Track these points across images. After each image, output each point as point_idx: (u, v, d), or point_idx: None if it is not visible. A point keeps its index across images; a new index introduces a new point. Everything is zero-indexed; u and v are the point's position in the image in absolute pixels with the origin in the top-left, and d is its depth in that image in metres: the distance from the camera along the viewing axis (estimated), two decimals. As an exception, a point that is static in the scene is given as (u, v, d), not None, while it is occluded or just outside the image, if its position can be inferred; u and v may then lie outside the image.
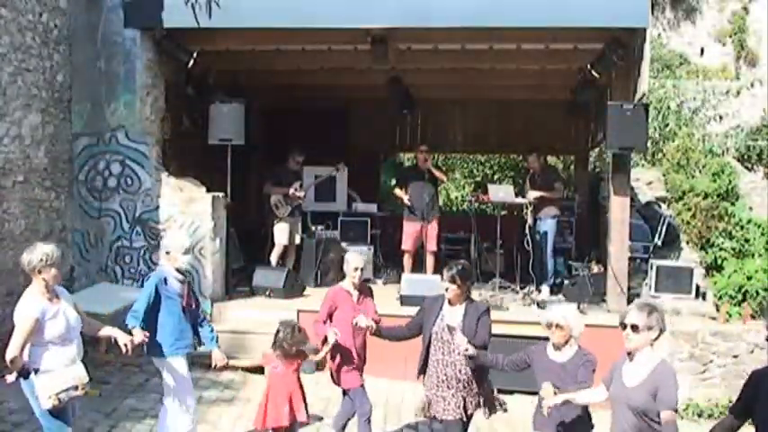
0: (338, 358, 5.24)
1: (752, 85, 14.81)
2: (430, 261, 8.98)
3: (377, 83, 9.23)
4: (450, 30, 7.68)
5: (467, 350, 4.45)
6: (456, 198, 17.12)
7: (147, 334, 4.85)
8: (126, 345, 4.62)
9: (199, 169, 9.01)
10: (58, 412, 4.28)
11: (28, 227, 7.29)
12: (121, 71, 7.89)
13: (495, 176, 16.62)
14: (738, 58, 17.35)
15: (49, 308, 4.32)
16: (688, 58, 17.17)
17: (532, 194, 8.93)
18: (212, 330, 5.29)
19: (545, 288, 8.72)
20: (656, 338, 3.64)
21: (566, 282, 8.75)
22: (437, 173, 9.13)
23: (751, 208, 10.23)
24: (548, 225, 8.91)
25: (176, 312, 5.05)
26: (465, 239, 10.19)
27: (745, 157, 12.97)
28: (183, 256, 5.13)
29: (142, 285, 7.77)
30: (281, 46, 8.75)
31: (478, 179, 17.30)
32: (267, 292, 8.24)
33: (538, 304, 8.06)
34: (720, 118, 13.76)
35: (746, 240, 9.41)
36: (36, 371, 4.25)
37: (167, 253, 5.18)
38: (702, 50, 17.78)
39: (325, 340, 5.16)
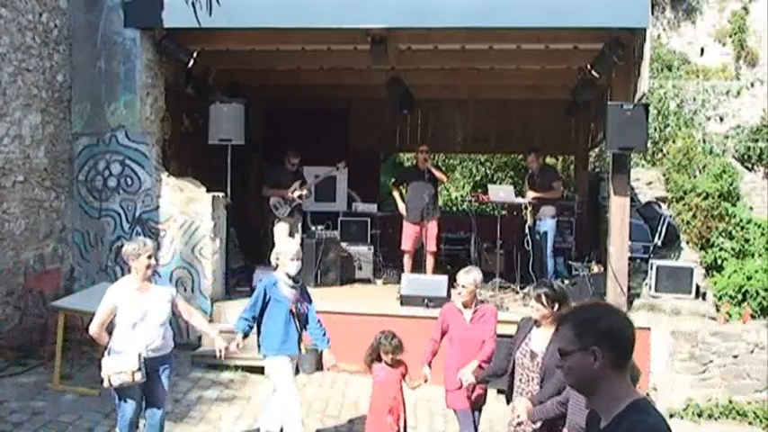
0: (446, 377, 5.10)
1: (752, 84, 14.81)
2: (430, 261, 8.98)
3: (377, 83, 9.22)
4: (450, 30, 7.68)
5: (518, 418, 3.96)
6: (456, 198, 17.12)
7: (242, 343, 5.20)
8: (220, 350, 5.05)
9: (199, 169, 9.02)
10: (121, 392, 4.69)
11: (28, 227, 7.29)
12: (121, 71, 7.89)
13: (495, 176, 16.63)
14: (738, 58, 17.35)
15: (131, 295, 4.75)
16: (688, 58, 17.17)
17: (531, 195, 8.93)
18: (324, 333, 5.37)
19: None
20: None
21: (566, 282, 8.75)
22: (437, 173, 9.12)
23: (751, 208, 10.25)
24: (547, 225, 8.91)
25: (283, 315, 5.20)
26: (465, 239, 10.20)
27: (746, 157, 12.98)
28: (290, 262, 5.24)
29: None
30: (281, 46, 8.75)
31: (478, 179, 17.31)
32: (267, 292, 8.23)
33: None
34: (721, 119, 13.78)
35: (746, 240, 9.42)
36: (110, 351, 4.72)
37: (277, 259, 5.32)
38: (702, 50, 17.78)
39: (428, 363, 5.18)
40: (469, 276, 5.11)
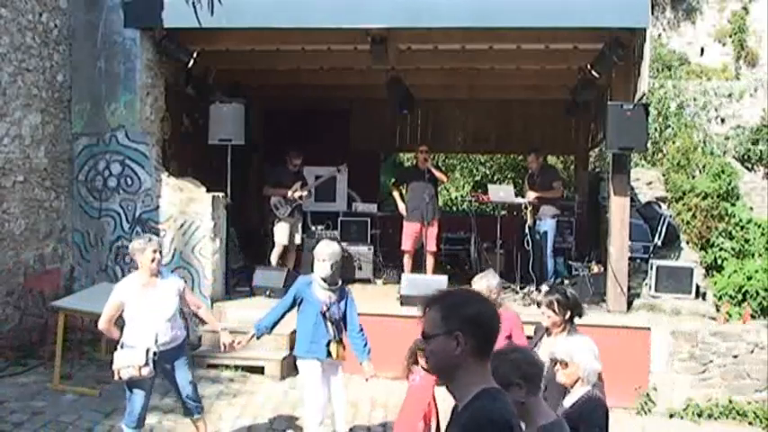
0: None
1: (755, 90, 14.81)
2: (430, 261, 8.98)
3: (377, 83, 9.22)
4: (450, 30, 7.68)
5: None
6: (456, 198, 17.13)
7: (241, 343, 5.21)
8: (224, 344, 5.16)
9: (199, 169, 9.02)
10: (131, 385, 4.81)
11: (28, 227, 7.29)
12: (121, 71, 7.89)
13: (495, 176, 16.63)
14: (738, 59, 17.35)
15: (138, 290, 4.86)
16: (688, 58, 17.17)
17: (530, 195, 8.93)
18: (365, 344, 5.23)
19: (545, 288, 8.71)
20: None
21: (566, 282, 8.75)
22: (437, 173, 9.12)
23: (751, 208, 10.24)
24: (547, 225, 8.90)
25: (313, 317, 5.09)
26: (465, 239, 10.19)
27: (746, 157, 12.98)
28: (320, 263, 5.12)
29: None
30: (281, 46, 8.75)
31: (478, 179, 17.31)
32: (267, 292, 8.24)
33: (538, 304, 8.04)
34: (723, 120, 13.78)
35: (746, 240, 9.42)
36: (122, 345, 4.82)
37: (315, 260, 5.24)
38: (702, 50, 17.79)
39: None
40: (482, 282, 4.92)
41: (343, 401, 5.37)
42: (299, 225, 9.28)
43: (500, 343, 4.48)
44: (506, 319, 4.60)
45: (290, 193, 8.98)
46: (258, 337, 5.25)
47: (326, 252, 5.13)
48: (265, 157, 11.38)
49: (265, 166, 10.99)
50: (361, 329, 5.28)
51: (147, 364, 4.71)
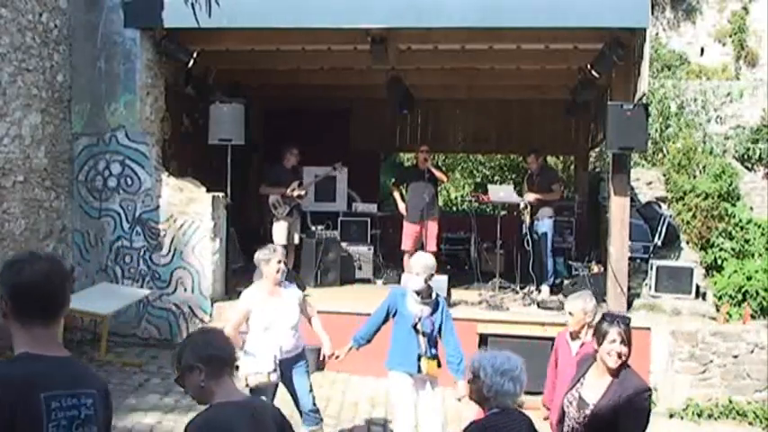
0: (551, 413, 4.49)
1: (755, 89, 14.79)
2: (430, 261, 8.97)
3: (377, 83, 9.22)
4: (450, 30, 7.68)
5: None
6: (456, 198, 17.12)
7: (339, 357, 5.14)
8: (324, 356, 5.16)
9: (199, 169, 9.02)
10: (255, 392, 4.76)
11: (28, 227, 7.29)
12: (121, 71, 7.88)
13: (495, 177, 16.63)
14: (738, 59, 17.35)
15: (262, 299, 4.96)
16: (688, 58, 17.17)
17: (529, 196, 8.92)
18: (460, 361, 4.89)
19: (545, 288, 8.72)
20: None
21: (566, 282, 8.75)
22: (437, 173, 9.11)
23: (751, 208, 10.23)
24: (546, 226, 8.90)
25: (405, 330, 4.96)
26: (465, 239, 10.20)
27: (746, 157, 12.97)
28: (413, 277, 5.00)
29: (142, 285, 7.85)
30: (281, 46, 8.74)
31: (478, 179, 17.31)
32: (267, 292, 8.23)
33: (538, 304, 8.06)
34: (722, 120, 13.77)
35: (746, 241, 9.40)
36: (245, 352, 4.89)
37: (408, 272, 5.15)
38: (702, 50, 17.78)
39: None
40: (577, 303, 4.46)
41: (437, 422, 5.04)
42: (298, 224, 9.26)
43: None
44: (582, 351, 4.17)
45: (288, 191, 8.97)
46: (357, 349, 5.14)
47: (420, 264, 4.98)
48: (265, 156, 11.38)
49: (264, 165, 11.00)
50: (456, 347, 5.00)
51: (275, 369, 4.80)
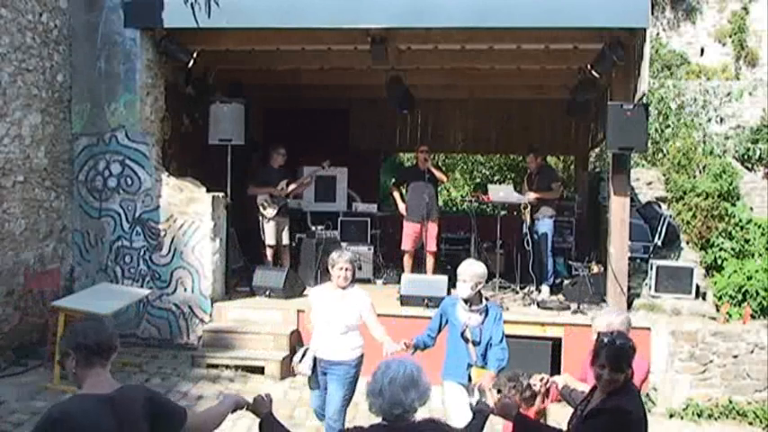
0: None
1: (755, 89, 14.80)
2: (430, 261, 8.98)
3: (377, 83, 9.22)
4: (450, 30, 7.68)
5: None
6: (456, 198, 17.12)
7: (398, 349, 4.81)
8: (388, 352, 4.88)
9: (199, 169, 9.02)
10: (310, 385, 5.31)
11: (28, 227, 7.29)
12: (121, 71, 7.89)
13: (495, 177, 16.63)
14: (738, 58, 17.37)
15: (325, 298, 5.19)
16: (688, 58, 17.18)
17: (529, 196, 8.92)
18: (502, 358, 4.75)
19: (545, 288, 8.73)
20: None
21: (566, 282, 8.76)
22: (437, 173, 9.12)
23: (751, 208, 10.22)
24: (545, 226, 8.90)
25: (455, 339, 4.89)
26: (465, 239, 10.19)
27: (746, 157, 12.97)
28: (461, 284, 4.88)
29: (142, 285, 7.85)
30: (281, 46, 8.74)
31: (478, 180, 17.31)
32: (267, 292, 8.24)
33: (538, 304, 8.07)
34: (722, 120, 13.77)
35: (746, 241, 9.40)
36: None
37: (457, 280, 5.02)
38: (702, 50, 17.79)
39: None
40: (602, 320, 4.22)
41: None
42: (287, 224, 9.19)
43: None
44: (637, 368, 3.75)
45: (276, 190, 8.91)
46: (423, 350, 4.96)
47: (468, 272, 4.85)
48: (265, 156, 11.37)
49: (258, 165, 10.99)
50: (502, 348, 4.81)
51: (300, 362, 5.14)
